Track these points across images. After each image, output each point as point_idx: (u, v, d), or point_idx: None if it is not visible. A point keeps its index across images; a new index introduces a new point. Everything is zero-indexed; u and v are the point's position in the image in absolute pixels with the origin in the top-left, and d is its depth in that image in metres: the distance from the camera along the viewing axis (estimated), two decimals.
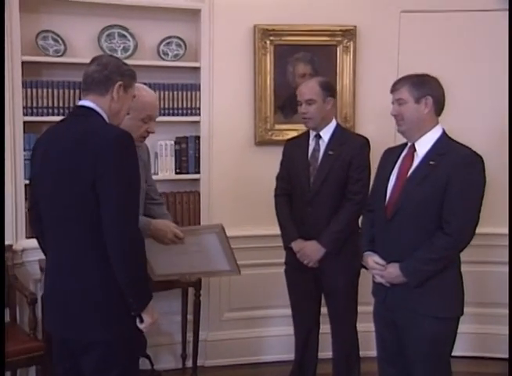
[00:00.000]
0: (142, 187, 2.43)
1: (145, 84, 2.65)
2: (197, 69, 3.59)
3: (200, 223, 3.60)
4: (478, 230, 2.40)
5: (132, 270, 1.99)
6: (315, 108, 2.99)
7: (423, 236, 2.39)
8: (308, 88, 3.01)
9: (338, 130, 3.07)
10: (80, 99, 2.26)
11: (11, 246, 3.25)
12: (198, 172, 3.63)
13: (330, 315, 3.13)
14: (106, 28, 3.45)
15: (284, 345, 3.59)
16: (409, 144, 2.51)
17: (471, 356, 3.77)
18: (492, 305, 3.77)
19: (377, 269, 2.49)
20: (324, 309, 3.16)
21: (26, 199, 3.22)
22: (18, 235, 3.29)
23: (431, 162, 2.40)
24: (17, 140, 3.24)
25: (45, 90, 3.29)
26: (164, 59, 3.55)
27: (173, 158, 3.59)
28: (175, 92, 3.52)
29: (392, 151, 2.62)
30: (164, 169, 3.58)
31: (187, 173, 3.63)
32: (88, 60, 2.18)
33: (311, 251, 2.99)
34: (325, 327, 3.20)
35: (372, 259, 2.52)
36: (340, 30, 3.64)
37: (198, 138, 3.62)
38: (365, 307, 2.93)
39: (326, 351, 3.27)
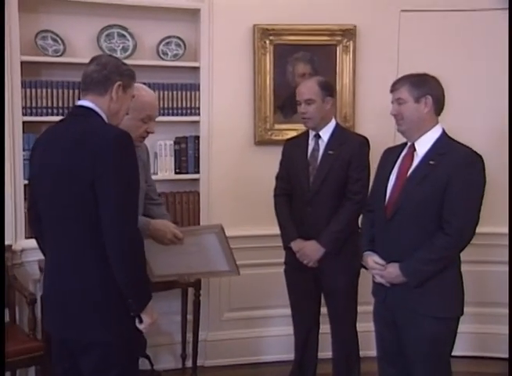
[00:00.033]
0: (142, 187, 2.42)
1: (144, 84, 2.65)
2: (197, 69, 3.59)
3: (199, 223, 3.60)
4: (478, 230, 2.39)
5: (131, 270, 1.99)
6: (315, 108, 2.98)
7: (423, 236, 2.38)
8: (307, 88, 3.01)
9: (338, 130, 3.07)
10: (79, 99, 2.26)
11: (10, 246, 3.24)
12: (197, 172, 3.62)
13: (330, 315, 3.13)
14: (106, 28, 3.44)
15: (284, 345, 3.58)
16: (409, 144, 2.51)
17: (471, 355, 3.77)
18: (492, 305, 3.77)
19: (377, 269, 2.49)
20: (324, 309, 3.16)
21: (25, 199, 3.22)
22: (17, 235, 3.29)
23: (431, 162, 2.40)
24: (16, 140, 3.24)
25: (44, 90, 3.29)
26: (163, 59, 3.55)
27: (172, 158, 3.58)
28: (175, 92, 3.52)
29: (392, 151, 2.62)
30: (163, 169, 3.57)
31: (187, 173, 3.62)
32: (87, 60, 2.17)
33: (310, 250, 2.99)
34: (325, 327, 3.19)
35: (372, 259, 2.52)
36: (340, 30, 3.64)
37: (197, 138, 3.61)
38: (365, 307, 2.93)
39: (325, 351, 3.27)
